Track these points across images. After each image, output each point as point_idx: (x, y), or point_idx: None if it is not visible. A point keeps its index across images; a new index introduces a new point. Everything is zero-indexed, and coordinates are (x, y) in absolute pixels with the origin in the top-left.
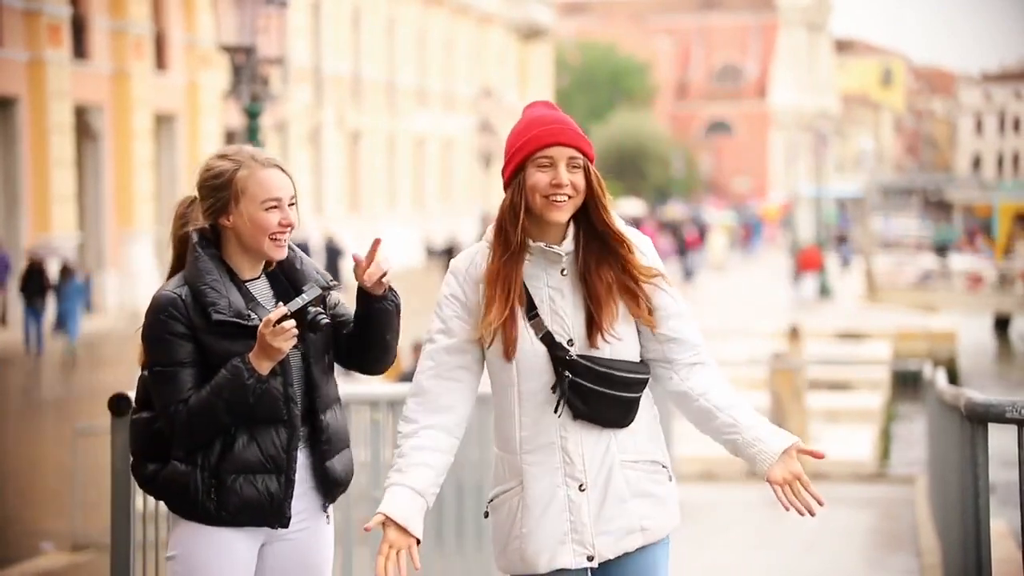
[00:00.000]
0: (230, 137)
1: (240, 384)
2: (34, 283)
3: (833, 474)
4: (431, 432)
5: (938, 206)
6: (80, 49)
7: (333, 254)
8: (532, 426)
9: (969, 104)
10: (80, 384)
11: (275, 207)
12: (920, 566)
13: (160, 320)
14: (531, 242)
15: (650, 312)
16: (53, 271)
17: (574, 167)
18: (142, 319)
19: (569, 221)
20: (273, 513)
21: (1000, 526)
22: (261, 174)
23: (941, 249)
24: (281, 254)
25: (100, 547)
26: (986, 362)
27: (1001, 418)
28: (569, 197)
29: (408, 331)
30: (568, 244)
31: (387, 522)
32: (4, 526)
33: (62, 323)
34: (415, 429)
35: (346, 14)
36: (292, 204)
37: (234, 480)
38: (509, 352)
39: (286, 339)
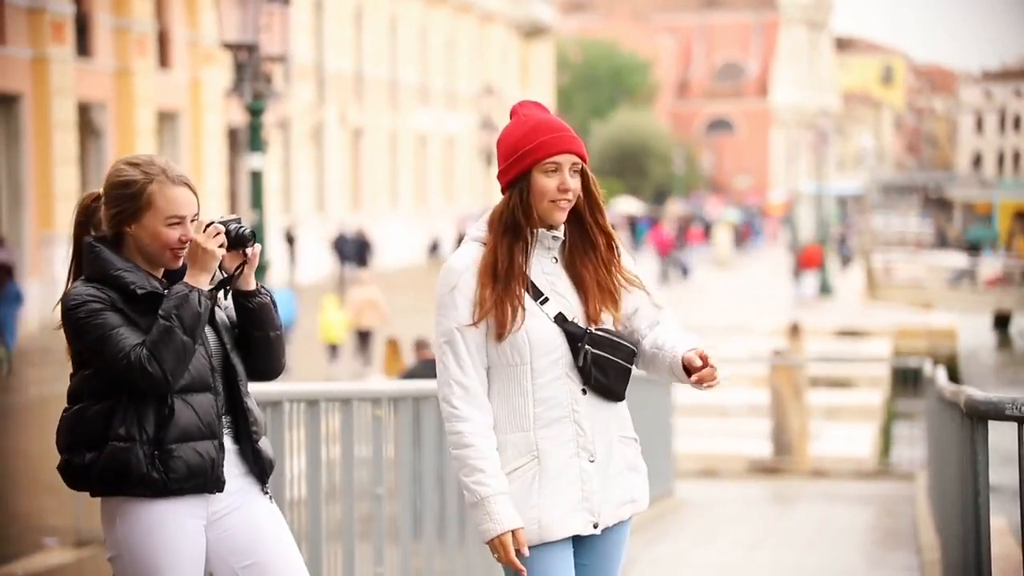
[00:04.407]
0: (233, 134)
1: (185, 298)
2: None
3: (833, 471)
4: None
5: (938, 204)
6: (83, 46)
7: (362, 247)
8: (545, 401)
9: (969, 102)
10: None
11: (177, 224)
12: (920, 563)
13: (85, 306)
14: (537, 230)
15: (617, 308)
16: (58, 270)
17: (575, 172)
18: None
19: None
20: (213, 479)
21: (1000, 523)
22: (170, 191)
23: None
24: (176, 265)
25: (103, 543)
26: (986, 359)
27: (1001, 415)
28: (570, 201)
29: (410, 328)
30: (561, 232)
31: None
32: (7, 522)
33: None
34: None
35: (348, 12)
36: (194, 220)
37: (177, 448)
38: (506, 331)
39: (217, 242)
